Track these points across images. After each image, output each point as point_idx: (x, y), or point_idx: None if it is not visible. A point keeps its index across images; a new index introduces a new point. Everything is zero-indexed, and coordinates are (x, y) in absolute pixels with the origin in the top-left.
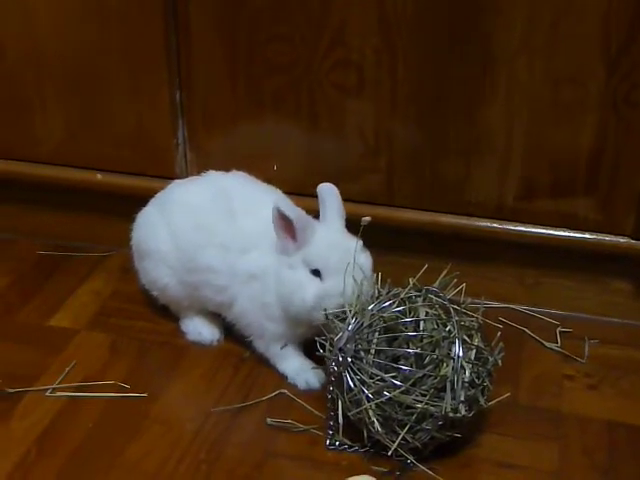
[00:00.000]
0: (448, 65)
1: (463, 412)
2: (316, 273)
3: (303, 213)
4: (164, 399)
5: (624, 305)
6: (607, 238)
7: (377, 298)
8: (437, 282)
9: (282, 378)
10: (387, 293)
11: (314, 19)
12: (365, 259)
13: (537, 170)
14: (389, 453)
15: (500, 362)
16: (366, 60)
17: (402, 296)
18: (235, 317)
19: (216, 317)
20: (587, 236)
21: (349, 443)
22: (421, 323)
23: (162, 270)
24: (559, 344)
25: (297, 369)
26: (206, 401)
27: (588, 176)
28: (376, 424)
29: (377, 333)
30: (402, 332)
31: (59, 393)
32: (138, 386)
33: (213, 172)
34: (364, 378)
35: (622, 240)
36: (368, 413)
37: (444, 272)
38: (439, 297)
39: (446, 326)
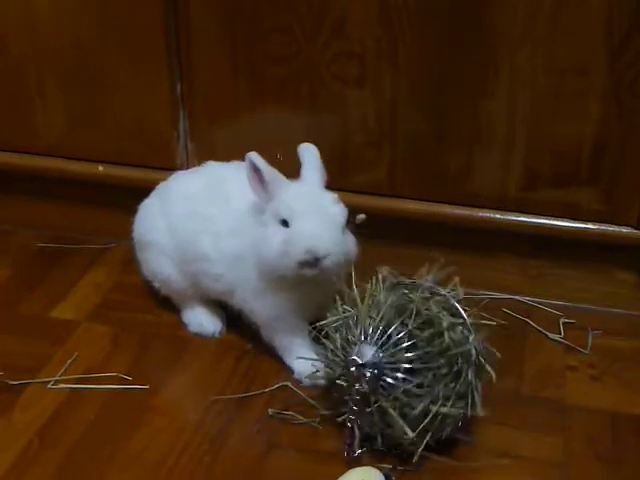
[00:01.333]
0: (450, 56)
1: (482, 412)
2: (284, 223)
3: (275, 170)
4: (166, 391)
5: (627, 296)
6: (610, 228)
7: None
8: (430, 276)
9: (284, 369)
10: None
11: (315, 10)
12: (337, 209)
13: (540, 160)
14: (414, 460)
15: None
16: (367, 51)
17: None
18: (239, 305)
19: (218, 308)
20: (590, 227)
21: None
22: (445, 334)
23: (163, 262)
24: (562, 335)
25: (304, 367)
26: (208, 393)
27: (591, 166)
28: (409, 433)
29: (401, 349)
30: (426, 345)
31: (61, 385)
32: (140, 378)
33: (212, 162)
34: (396, 395)
35: (625, 230)
36: (402, 428)
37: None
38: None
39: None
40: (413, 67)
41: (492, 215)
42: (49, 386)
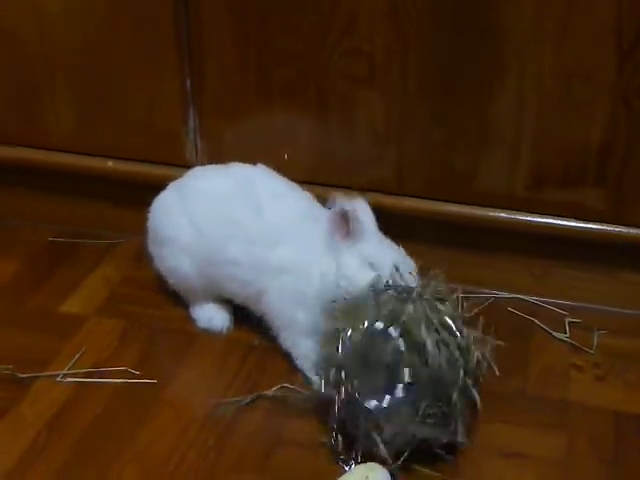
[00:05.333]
0: (459, 55)
1: (463, 440)
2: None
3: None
4: (174, 385)
5: (633, 296)
6: (617, 229)
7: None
8: (429, 288)
9: (291, 366)
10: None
11: (324, 8)
12: (412, 264)
13: (547, 161)
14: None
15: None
16: (376, 49)
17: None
18: (263, 310)
19: (226, 305)
20: (596, 227)
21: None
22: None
23: (181, 259)
24: (568, 334)
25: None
26: (215, 388)
27: (598, 167)
28: (386, 456)
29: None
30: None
31: (69, 379)
32: (148, 372)
33: (237, 163)
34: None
35: (632, 231)
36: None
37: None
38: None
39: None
40: (421, 66)
41: (499, 214)
42: (58, 379)
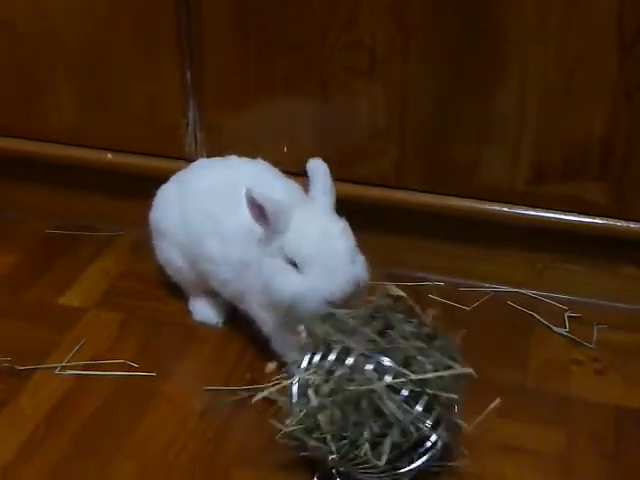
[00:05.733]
0: (460, 48)
1: None
2: (293, 264)
3: (278, 198)
4: (173, 378)
5: (633, 291)
6: (618, 223)
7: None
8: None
9: None
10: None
11: (325, 1)
12: (344, 243)
13: (548, 155)
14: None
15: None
16: (378, 42)
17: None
18: (247, 311)
19: (224, 299)
20: (597, 221)
21: None
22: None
23: (174, 252)
24: (568, 329)
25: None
26: (214, 381)
27: (600, 161)
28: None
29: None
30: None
31: (68, 371)
32: (147, 365)
33: (236, 157)
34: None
35: (633, 226)
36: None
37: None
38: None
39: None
40: (423, 59)
41: (500, 208)
42: (56, 372)
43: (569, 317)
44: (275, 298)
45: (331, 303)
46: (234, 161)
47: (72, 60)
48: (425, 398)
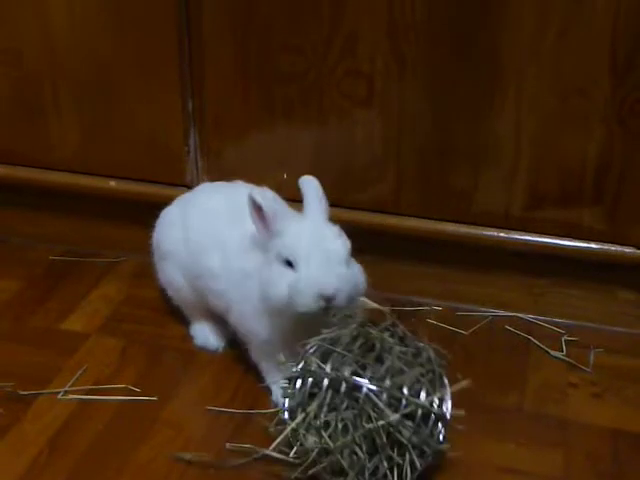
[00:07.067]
0: (457, 75)
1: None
2: (289, 264)
3: (278, 204)
4: (174, 403)
5: (629, 315)
6: (613, 248)
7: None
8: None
9: None
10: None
11: (325, 29)
12: (339, 244)
13: (544, 180)
14: None
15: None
16: (376, 70)
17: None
18: (235, 323)
19: (224, 324)
20: (593, 246)
21: None
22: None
23: (176, 273)
24: (564, 353)
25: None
26: (215, 406)
27: (595, 186)
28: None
29: None
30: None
31: (71, 396)
32: (148, 390)
33: (242, 182)
34: None
35: (628, 250)
36: None
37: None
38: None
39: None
40: (420, 86)
41: (496, 234)
42: (59, 397)
43: (566, 341)
44: (272, 297)
45: (326, 299)
46: (239, 184)
47: (76, 88)
48: (433, 417)
